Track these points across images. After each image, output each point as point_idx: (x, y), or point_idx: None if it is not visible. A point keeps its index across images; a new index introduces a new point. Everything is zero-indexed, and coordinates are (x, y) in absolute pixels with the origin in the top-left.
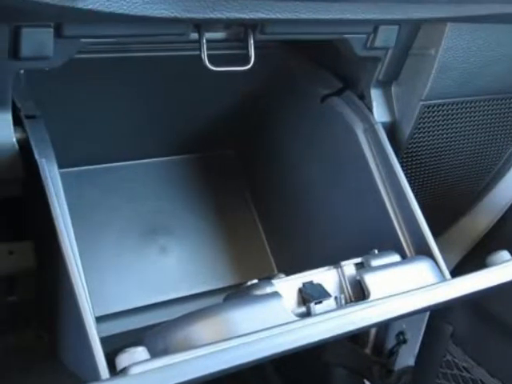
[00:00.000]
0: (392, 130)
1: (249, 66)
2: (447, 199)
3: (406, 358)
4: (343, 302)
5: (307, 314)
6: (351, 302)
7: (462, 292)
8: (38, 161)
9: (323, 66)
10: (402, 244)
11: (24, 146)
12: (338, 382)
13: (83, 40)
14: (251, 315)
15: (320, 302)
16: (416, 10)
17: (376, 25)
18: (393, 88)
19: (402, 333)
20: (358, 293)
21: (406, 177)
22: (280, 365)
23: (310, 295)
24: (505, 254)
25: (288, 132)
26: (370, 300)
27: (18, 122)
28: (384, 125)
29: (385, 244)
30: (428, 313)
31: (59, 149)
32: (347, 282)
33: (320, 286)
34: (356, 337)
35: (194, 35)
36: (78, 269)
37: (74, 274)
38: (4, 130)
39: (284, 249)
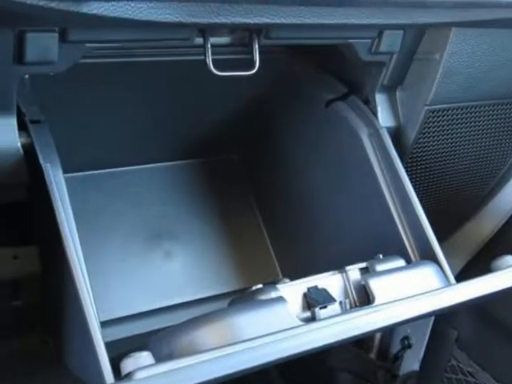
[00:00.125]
0: (397, 134)
1: (253, 71)
2: (452, 204)
3: (411, 362)
4: (348, 306)
5: (312, 319)
6: (356, 306)
7: (467, 297)
8: (43, 165)
9: (328, 70)
10: (406, 249)
11: (29, 151)
12: None
13: (88, 45)
14: (256, 320)
15: (325, 307)
16: (421, 14)
17: (381, 29)
18: (397, 93)
19: (406, 337)
20: (363, 297)
21: (411, 181)
22: (285, 369)
23: (314, 300)
24: (510, 258)
25: (293, 137)
26: (374, 305)
27: (22, 126)
28: (389, 129)
29: (389, 249)
30: (433, 317)
31: (64, 153)
32: (352, 286)
33: (325, 290)
34: (361, 341)
35: (199, 40)
36: (83, 273)
37: (78, 278)
38: (9, 135)
39: (289, 253)
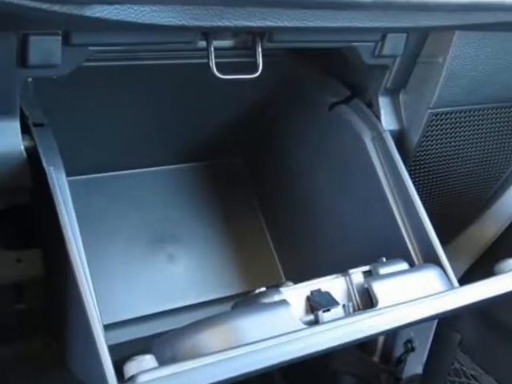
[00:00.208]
0: (400, 137)
1: (257, 74)
2: (455, 207)
3: (414, 366)
4: (351, 309)
5: (315, 322)
6: (359, 310)
7: (470, 300)
8: (46, 169)
9: (331, 73)
10: (409, 252)
11: (32, 154)
12: None
13: (91, 48)
14: (259, 323)
15: (328, 310)
16: (424, 18)
17: (384, 33)
18: (401, 96)
19: (410, 341)
20: (366, 301)
21: (414, 185)
22: (288, 373)
23: (318, 303)
24: None
25: (296, 140)
26: (378, 308)
27: (25, 130)
28: (392, 133)
29: (393, 252)
30: (436, 321)
31: (67, 157)
32: (355, 289)
33: (328, 293)
34: (364, 345)
35: (202, 43)
36: (86, 277)
37: (81, 281)
38: (12, 138)
39: (292, 257)
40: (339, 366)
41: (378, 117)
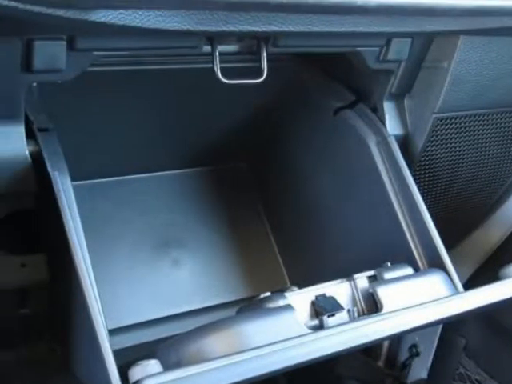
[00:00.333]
0: (405, 142)
1: (261, 79)
2: (460, 212)
3: (419, 370)
4: (356, 314)
5: (320, 327)
6: (364, 314)
7: (475, 305)
8: (51, 174)
9: (336, 78)
10: (414, 257)
11: (37, 159)
12: None
13: (96, 53)
14: (264, 328)
15: (333, 315)
16: (429, 22)
17: (389, 37)
18: (405, 101)
19: (414, 345)
20: (371, 305)
21: (419, 189)
22: (293, 377)
23: (322, 308)
24: None
25: (301, 145)
26: (382, 313)
27: (30, 134)
28: (397, 137)
29: (397, 257)
30: (441, 325)
31: (72, 161)
32: (360, 294)
33: (333, 298)
34: (369, 349)
35: (207, 48)
36: (91, 281)
37: (86, 286)
38: (17, 143)
39: (297, 261)
40: (344, 371)
41: (383, 121)
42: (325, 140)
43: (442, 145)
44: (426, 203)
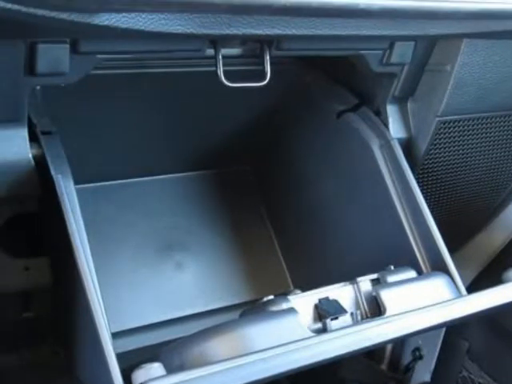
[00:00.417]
0: (408, 145)
1: (265, 82)
2: (463, 215)
3: (422, 374)
4: (359, 317)
5: (323, 330)
6: (367, 317)
7: (478, 308)
8: (54, 177)
9: (339, 81)
10: (418, 260)
11: (40, 162)
12: None
13: (99, 56)
14: (267, 331)
15: (336, 318)
16: (432, 26)
17: (392, 41)
18: (409, 104)
19: (418, 349)
20: (374, 309)
21: (422, 193)
22: (296, 381)
23: (326, 311)
24: None
25: (304, 148)
26: (386, 316)
27: (33, 138)
28: (400, 141)
29: (401, 260)
30: (444, 329)
31: (75, 165)
32: (363, 298)
33: (336, 301)
34: (372, 353)
35: (210, 51)
36: (94, 285)
37: (89, 289)
38: (20, 146)
39: (300, 265)
40: (347, 374)
41: (386, 125)
42: (328, 143)
43: (445, 148)
44: (429, 206)
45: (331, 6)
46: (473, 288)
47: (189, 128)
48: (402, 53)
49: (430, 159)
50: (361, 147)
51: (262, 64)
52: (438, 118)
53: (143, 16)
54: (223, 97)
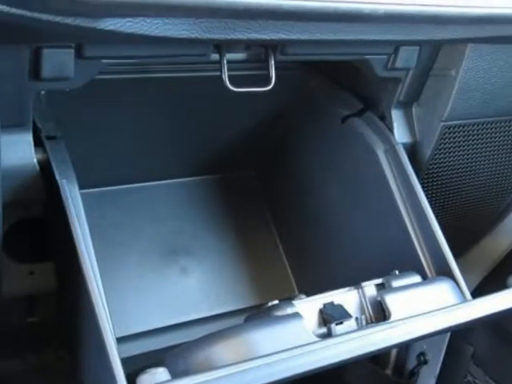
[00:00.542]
0: (413, 150)
1: (269, 87)
2: (468, 220)
3: (427, 378)
4: (364, 322)
5: (328, 335)
6: (372, 322)
7: (483, 313)
8: (59, 182)
9: (344, 86)
10: (422, 265)
11: (45, 167)
12: None
13: (104, 61)
14: (272, 336)
15: (341, 323)
16: (437, 30)
17: (397, 45)
18: (413, 109)
19: (422, 353)
20: (379, 313)
21: (427, 197)
22: None
23: (330, 316)
24: None
25: (309, 153)
26: (390, 321)
27: (38, 142)
28: (405, 145)
29: (406, 265)
30: (449, 333)
31: (80, 169)
32: (368, 302)
33: (341, 306)
34: (377, 357)
35: (215, 56)
36: (99, 289)
37: (94, 294)
38: (25, 151)
39: (305, 269)
40: (352, 379)
41: (391, 129)
42: (332, 148)
43: (450, 153)
44: (434, 211)
45: (336, 11)
46: (477, 293)
47: (193, 133)
48: (407, 57)
49: (435, 164)
50: (365, 152)
51: (267, 69)
52: (442, 123)
53: (148, 21)
54: (228, 101)
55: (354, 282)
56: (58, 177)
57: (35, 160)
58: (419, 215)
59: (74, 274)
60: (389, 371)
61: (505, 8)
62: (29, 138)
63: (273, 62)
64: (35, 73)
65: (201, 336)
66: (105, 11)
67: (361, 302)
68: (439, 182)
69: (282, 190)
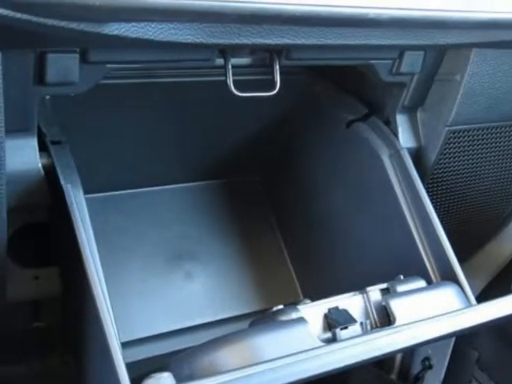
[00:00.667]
0: (417, 155)
1: (274, 92)
2: (473, 225)
3: (432, 383)
4: (369, 327)
5: (333, 340)
6: (377, 327)
7: (488, 317)
8: (64, 186)
9: (348, 91)
10: (427, 269)
11: (49, 172)
12: None
13: (109, 65)
14: (277, 341)
15: (345, 328)
16: (442, 35)
17: (401, 50)
18: (418, 113)
19: (427, 358)
20: (384, 318)
21: (432, 202)
22: None
23: (335, 321)
24: None
25: (313, 157)
26: (395, 325)
27: (43, 147)
28: (409, 150)
29: (410, 269)
30: (454, 338)
31: (85, 174)
32: (373, 307)
33: (345, 311)
34: (381, 362)
35: (220, 61)
36: (104, 294)
37: (99, 299)
38: (30, 156)
39: (310, 274)
40: None
41: (396, 134)
42: (337, 153)
43: (454, 157)
44: (438, 216)
45: (341, 16)
46: (482, 297)
47: (198, 138)
48: (412, 62)
49: (440, 169)
50: (370, 157)
51: (272, 74)
52: (447, 128)
53: (153, 25)
54: (233, 106)
55: (359, 286)
56: (62, 182)
57: (40, 165)
58: (424, 220)
59: (78, 278)
60: (394, 376)
61: (509, 13)
62: (33, 142)
63: (278, 67)
64: (40, 78)
65: (205, 341)
66: (109, 16)
67: (365, 307)
68: (444, 187)
69: (287, 194)
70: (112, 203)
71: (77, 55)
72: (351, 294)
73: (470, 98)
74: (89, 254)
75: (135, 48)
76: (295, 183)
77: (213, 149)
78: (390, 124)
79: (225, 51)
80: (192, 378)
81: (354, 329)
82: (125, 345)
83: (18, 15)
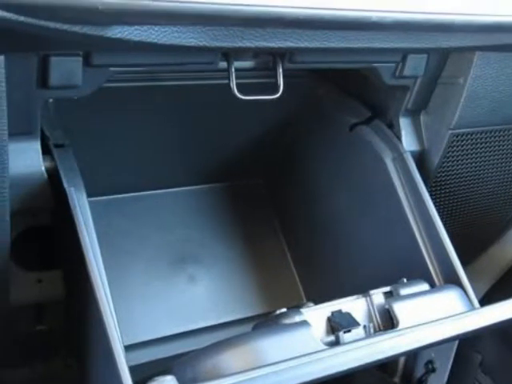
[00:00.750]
0: (421, 158)
1: (277, 95)
2: (476, 228)
3: None
4: (372, 330)
5: (336, 343)
6: (380, 330)
7: (491, 321)
8: (67, 190)
9: (351, 94)
10: (430, 273)
11: (53, 175)
12: None
13: (112, 69)
14: (280, 344)
15: (349, 331)
16: (445, 38)
17: (405, 53)
18: (421, 117)
19: (430, 361)
20: (387, 321)
21: (435, 205)
22: None
23: (338, 324)
24: None
25: (316, 161)
26: (398, 329)
27: (46, 150)
28: (413, 153)
29: (414, 273)
30: (457, 341)
31: (88, 178)
32: (376, 310)
33: (349, 314)
34: (385, 365)
35: (223, 64)
36: (107, 297)
37: (102, 302)
38: (33, 159)
39: (313, 277)
40: None
41: (399, 138)
42: (340, 156)
43: (458, 161)
44: (442, 219)
45: (344, 19)
46: (486, 301)
47: (201, 141)
48: (415, 65)
49: (443, 172)
50: (373, 160)
51: (275, 77)
52: (450, 131)
53: (156, 29)
54: (236, 110)
55: (362, 289)
56: (65, 185)
57: (43, 168)
58: (427, 223)
59: (82, 281)
60: (397, 379)
61: None
62: (37, 145)
63: (281, 70)
64: (43, 81)
65: (209, 344)
66: (112, 19)
67: (369, 310)
68: (447, 190)
69: (290, 197)
70: (115, 206)
71: (80, 58)
72: (354, 297)
73: (474, 101)
74: (92, 257)
75: (138, 51)
76: (298, 186)
77: (216, 152)
78: (394, 127)
79: (228, 54)
80: (195, 381)
81: (358, 332)
82: (128, 348)
83: (21, 18)
